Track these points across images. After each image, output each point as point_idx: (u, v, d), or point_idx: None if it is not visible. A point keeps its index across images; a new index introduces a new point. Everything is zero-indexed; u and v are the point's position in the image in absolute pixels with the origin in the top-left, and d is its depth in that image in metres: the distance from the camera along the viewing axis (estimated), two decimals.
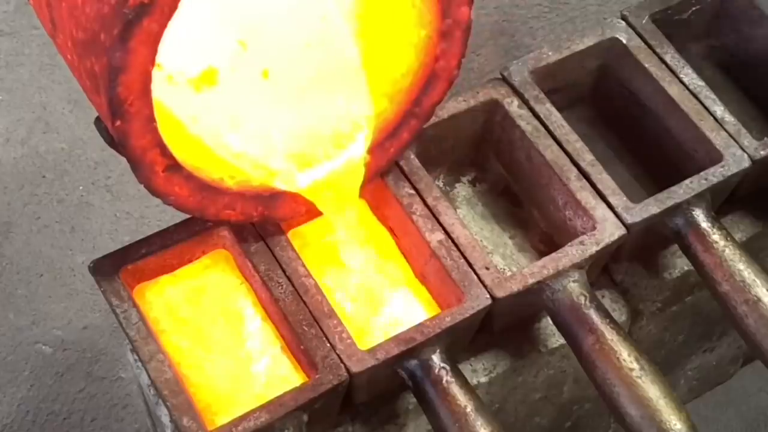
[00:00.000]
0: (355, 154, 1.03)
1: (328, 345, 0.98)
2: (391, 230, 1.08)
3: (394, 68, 1.01)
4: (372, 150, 1.03)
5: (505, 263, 1.12)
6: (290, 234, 1.05)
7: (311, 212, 1.04)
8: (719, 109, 1.13)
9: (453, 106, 1.11)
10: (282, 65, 1.02)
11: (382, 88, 1.02)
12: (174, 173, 0.93)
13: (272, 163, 1.01)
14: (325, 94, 1.03)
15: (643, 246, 1.13)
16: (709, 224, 1.08)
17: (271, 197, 1.00)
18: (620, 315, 1.13)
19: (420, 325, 1.00)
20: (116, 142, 0.90)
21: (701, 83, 1.14)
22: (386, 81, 1.02)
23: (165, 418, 1.03)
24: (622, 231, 1.06)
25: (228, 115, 1.00)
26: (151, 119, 0.88)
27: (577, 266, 1.04)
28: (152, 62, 0.85)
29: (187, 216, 1.02)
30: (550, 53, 1.15)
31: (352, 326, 1.02)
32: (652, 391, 0.99)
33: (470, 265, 1.03)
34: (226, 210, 0.98)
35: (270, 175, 1.00)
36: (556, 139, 1.10)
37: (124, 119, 0.87)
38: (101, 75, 0.85)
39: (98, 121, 0.96)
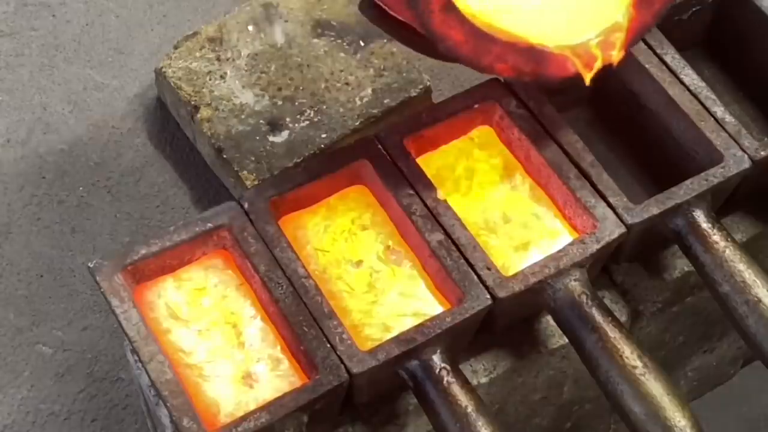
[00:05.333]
0: (619, 11, 1.04)
1: (329, 346, 0.98)
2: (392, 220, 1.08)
3: None
4: (636, 4, 1.04)
5: None
6: (283, 220, 1.05)
7: (577, 74, 1.05)
8: (720, 110, 1.13)
9: (452, 106, 1.11)
10: None
11: None
12: (449, 13, 0.94)
13: (544, 39, 1.02)
14: None
15: (644, 247, 1.13)
16: (710, 225, 1.08)
17: (542, 54, 1.01)
18: (620, 316, 1.13)
19: (420, 325, 1.00)
20: None
21: (702, 84, 1.14)
22: None
23: (165, 419, 1.03)
24: (622, 229, 1.06)
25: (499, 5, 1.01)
26: None
27: (578, 265, 1.04)
28: None
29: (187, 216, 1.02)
30: None
31: (350, 317, 1.02)
32: (656, 388, 0.99)
33: (471, 265, 1.03)
34: (498, 62, 0.99)
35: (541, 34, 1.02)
36: (556, 140, 1.10)
37: None
38: None
39: None
